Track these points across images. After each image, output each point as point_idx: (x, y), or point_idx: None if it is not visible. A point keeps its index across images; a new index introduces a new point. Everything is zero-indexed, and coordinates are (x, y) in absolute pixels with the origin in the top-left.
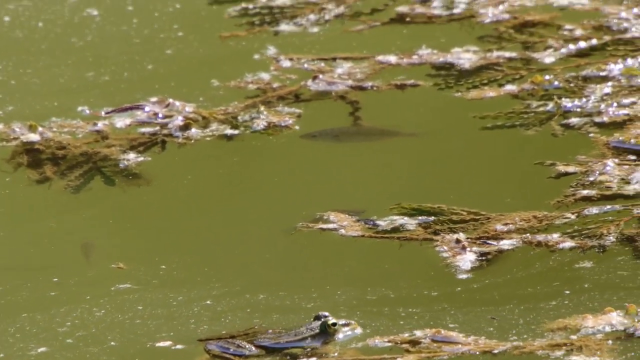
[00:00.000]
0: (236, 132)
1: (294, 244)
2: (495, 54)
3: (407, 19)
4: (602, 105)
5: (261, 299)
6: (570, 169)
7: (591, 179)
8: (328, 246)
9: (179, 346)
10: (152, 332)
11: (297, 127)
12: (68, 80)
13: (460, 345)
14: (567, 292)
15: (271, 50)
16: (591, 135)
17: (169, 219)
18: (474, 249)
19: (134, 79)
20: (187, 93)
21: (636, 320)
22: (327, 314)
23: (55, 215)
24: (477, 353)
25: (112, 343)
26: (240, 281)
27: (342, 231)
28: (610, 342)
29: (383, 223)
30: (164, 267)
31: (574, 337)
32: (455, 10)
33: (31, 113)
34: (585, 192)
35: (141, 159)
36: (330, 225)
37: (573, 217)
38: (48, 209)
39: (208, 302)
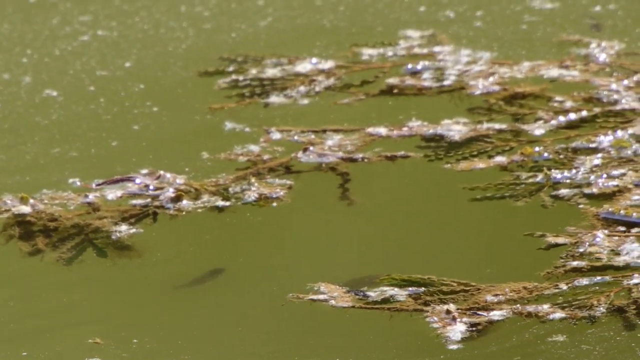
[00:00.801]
0: (227, 203)
1: (285, 316)
2: (485, 125)
3: (397, 91)
4: (592, 177)
5: None
6: (560, 240)
7: (581, 250)
8: (319, 317)
9: None
10: None
11: (288, 200)
12: (39, 157)
13: None
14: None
15: (261, 122)
16: (581, 206)
17: (158, 291)
18: (464, 319)
19: (113, 153)
20: (176, 165)
21: None
22: None
23: (48, 285)
24: None
25: None
26: (230, 355)
27: (333, 302)
28: None
29: (373, 294)
30: (140, 340)
31: None
32: (446, 82)
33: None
34: (575, 263)
35: (133, 230)
36: (321, 296)
37: (564, 287)
38: (41, 280)
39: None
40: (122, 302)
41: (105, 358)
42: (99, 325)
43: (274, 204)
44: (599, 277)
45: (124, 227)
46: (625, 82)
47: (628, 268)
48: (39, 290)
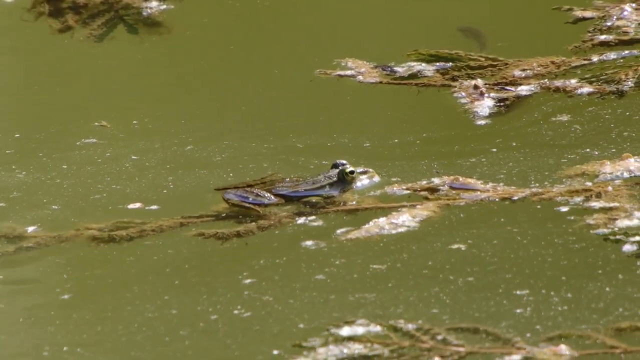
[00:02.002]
0: None
1: (312, 91)
2: None
3: None
4: None
5: (278, 146)
6: (588, 14)
7: (609, 23)
8: (346, 93)
9: (197, 193)
10: (172, 178)
11: None
12: None
13: (479, 192)
14: (585, 138)
15: None
16: None
17: (189, 67)
18: (492, 94)
19: None
20: None
21: None
22: (344, 162)
23: (79, 63)
24: (496, 199)
25: (143, 182)
26: (258, 128)
27: (360, 77)
28: (628, 187)
29: (401, 69)
30: (179, 115)
31: (590, 183)
32: None
33: None
34: (602, 37)
35: (164, 7)
36: (348, 72)
37: (593, 60)
38: (72, 57)
39: (225, 148)
40: (151, 81)
41: (159, 135)
42: (129, 99)
43: None
44: (626, 51)
45: (154, 4)
46: None
47: None
48: (71, 67)
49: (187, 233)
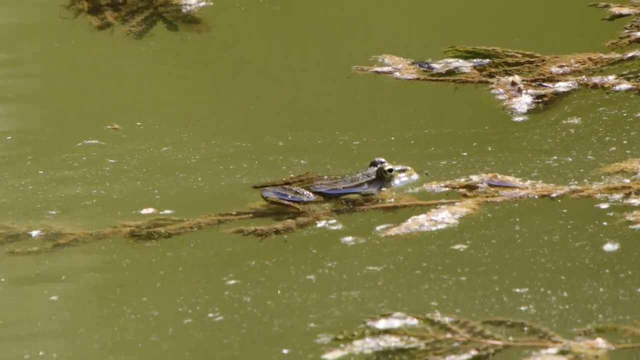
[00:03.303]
0: None
1: (350, 88)
2: None
3: None
4: None
5: (314, 142)
6: (625, 10)
7: None
8: (383, 89)
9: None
10: (209, 177)
11: None
12: None
13: (517, 190)
14: (623, 135)
15: None
16: None
17: (227, 63)
18: (530, 91)
19: None
20: None
21: None
22: (383, 160)
23: (118, 58)
24: (535, 197)
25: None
26: (296, 125)
27: (397, 74)
28: None
29: (438, 66)
30: (220, 113)
31: (628, 180)
32: None
33: None
34: (639, 34)
35: (203, 3)
36: (385, 69)
37: (630, 57)
38: (111, 54)
39: (257, 147)
40: (189, 75)
41: (191, 132)
42: (168, 93)
43: None
44: None
45: (193, 0)
46: None
47: None
48: (112, 60)
49: (226, 230)
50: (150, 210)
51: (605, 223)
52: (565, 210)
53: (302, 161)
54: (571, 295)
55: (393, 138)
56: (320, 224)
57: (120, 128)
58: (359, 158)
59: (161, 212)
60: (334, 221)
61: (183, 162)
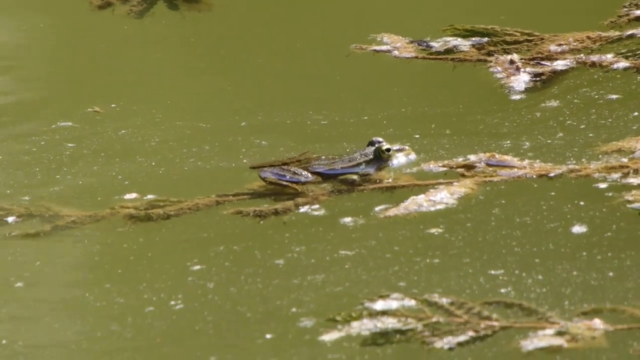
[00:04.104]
0: None
1: (348, 66)
2: None
3: None
4: None
5: (314, 122)
6: None
7: None
8: (382, 68)
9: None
10: (210, 156)
11: None
12: None
13: (515, 169)
14: (620, 113)
15: None
16: None
17: (227, 43)
18: (528, 69)
19: None
20: None
21: None
22: (381, 139)
23: (119, 41)
24: (534, 176)
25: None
26: (292, 104)
27: (396, 52)
28: None
29: (436, 44)
30: (218, 93)
31: (626, 159)
32: None
33: None
34: (638, 12)
35: None
36: (384, 47)
37: (629, 35)
38: (112, 35)
39: (259, 124)
40: (189, 56)
41: (188, 116)
42: (169, 81)
43: None
44: None
45: None
46: None
47: None
48: (111, 42)
49: (225, 211)
50: (133, 195)
51: (604, 202)
52: (564, 190)
53: (296, 137)
54: (571, 277)
55: (390, 116)
56: (319, 204)
57: (101, 111)
58: (354, 137)
59: (147, 197)
60: (332, 201)
61: (178, 142)
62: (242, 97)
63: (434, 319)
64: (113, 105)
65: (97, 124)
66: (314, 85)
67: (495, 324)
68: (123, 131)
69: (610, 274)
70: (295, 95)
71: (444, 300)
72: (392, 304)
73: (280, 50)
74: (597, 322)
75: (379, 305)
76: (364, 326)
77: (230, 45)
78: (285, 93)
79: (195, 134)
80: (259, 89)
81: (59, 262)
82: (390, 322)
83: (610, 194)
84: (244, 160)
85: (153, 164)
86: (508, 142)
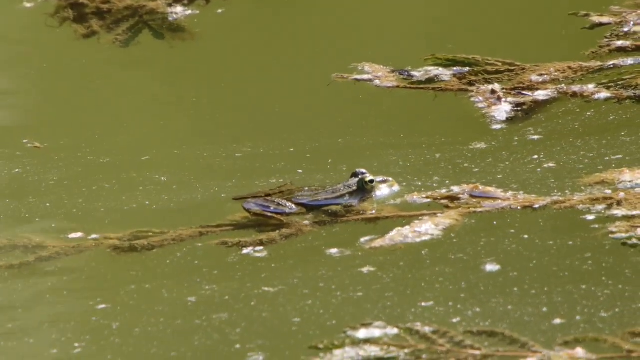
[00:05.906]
0: None
1: (329, 96)
2: None
3: None
4: None
5: (297, 151)
6: (605, 19)
7: (625, 29)
8: (363, 97)
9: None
10: (191, 182)
11: None
12: None
13: (500, 201)
14: (604, 143)
15: None
16: None
17: (212, 71)
18: (509, 99)
19: None
20: None
21: None
22: (364, 170)
23: (105, 69)
24: (518, 208)
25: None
26: (274, 133)
27: (377, 82)
28: None
29: (418, 74)
30: (205, 120)
31: (609, 191)
32: None
33: None
34: (619, 42)
35: (189, 12)
36: (365, 76)
37: (610, 66)
38: (97, 62)
39: (240, 155)
40: (178, 84)
41: (173, 139)
42: (161, 107)
43: None
44: None
45: (179, 9)
46: None
47: None
48: (95, 69)
49: (210, 242)
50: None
51: (589, 234)
52: (549, 222)
53: (278, 166)
54: (553, 306)
55: (372, 147)
56: (304, 235)
57: (40, 147)
58: (333, 166)
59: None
60: (317, 233)
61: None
62: (227, 125)
63: (417, 347)
64: (96, 136)
65: (100, 150)
66: (294, 113)
67: (477, 352)
68: (144, 158)
69: (593, 303)
70: (276, 124)
71: (427, 329)
72: (375, 332)
73: (262, 80)
74: (580, 351)
75: (362, 333)
76: (346, 354)
77: (214, 74)
78: (267, 122)
79: (171, 164)
80: (241, 118)
81: None
82: (373, 350)
83: (595, 226)
84: (222, 195)
85: (172, 191)
86: (490, 172)
